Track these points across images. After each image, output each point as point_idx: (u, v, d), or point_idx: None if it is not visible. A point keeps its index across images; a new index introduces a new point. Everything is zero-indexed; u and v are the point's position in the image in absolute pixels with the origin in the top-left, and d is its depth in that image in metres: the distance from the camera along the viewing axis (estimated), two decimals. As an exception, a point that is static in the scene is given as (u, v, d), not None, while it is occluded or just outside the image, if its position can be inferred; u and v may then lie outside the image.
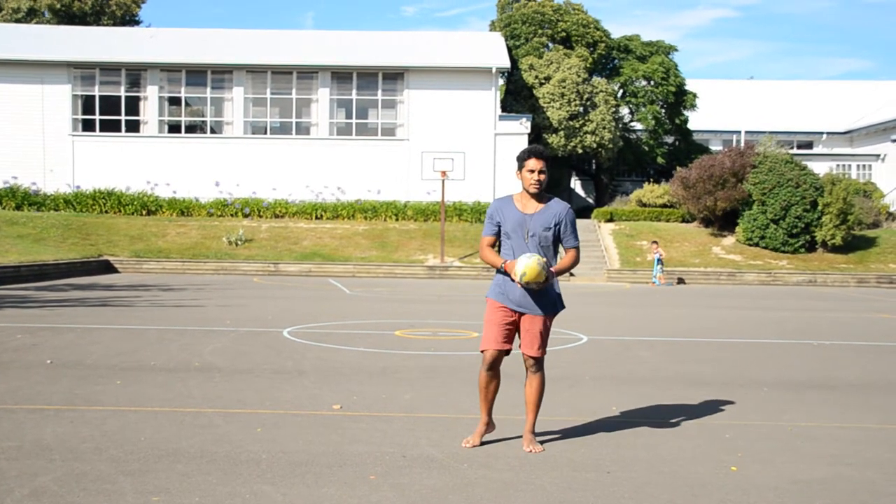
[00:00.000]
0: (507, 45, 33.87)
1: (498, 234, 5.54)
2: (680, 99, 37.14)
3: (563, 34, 35.84)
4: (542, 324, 5.44)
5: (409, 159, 30.41)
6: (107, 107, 31.03)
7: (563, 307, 5.58)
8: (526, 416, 5.53)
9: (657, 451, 5.50)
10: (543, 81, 33.38)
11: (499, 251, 5.54)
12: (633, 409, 6.80)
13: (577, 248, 5.51)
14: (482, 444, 5.54)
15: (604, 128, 32.87)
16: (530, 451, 5.39)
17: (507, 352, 5.47)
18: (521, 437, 5.60)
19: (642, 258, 26.43)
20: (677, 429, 6.14)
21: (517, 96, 33.87)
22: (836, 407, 7.07)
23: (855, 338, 12.09)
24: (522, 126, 30.93)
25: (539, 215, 5.43)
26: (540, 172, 5.41)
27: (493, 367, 5.48)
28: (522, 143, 30.38)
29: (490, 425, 5.64)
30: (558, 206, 5.49)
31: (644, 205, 31.79)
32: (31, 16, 44.68)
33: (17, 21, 42.85)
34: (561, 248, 5.57)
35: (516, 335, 5.52)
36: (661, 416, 6.52)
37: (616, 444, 5.65)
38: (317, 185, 30.71)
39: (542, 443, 5.54)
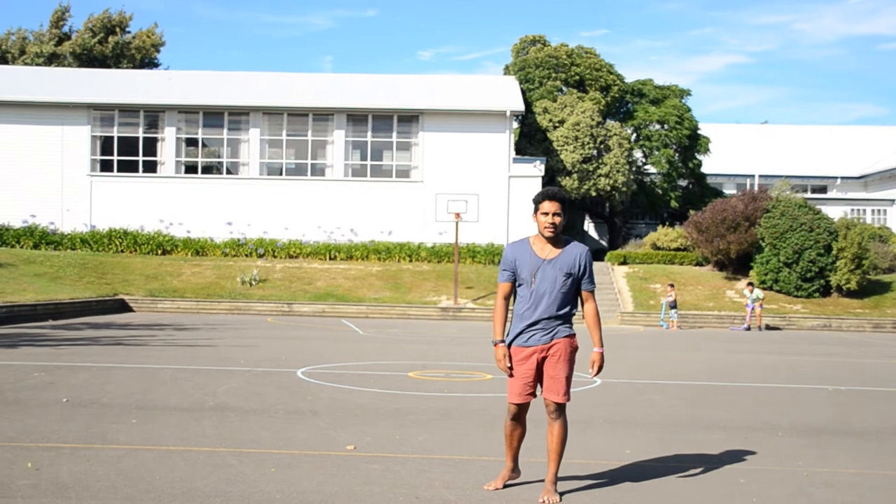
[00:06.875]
0: (522, 89, 34.19)
1: (514, 282, 5.38)
2: (693, 143, 37.28)
3: (577, 78, 36.16)
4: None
5: (424, 201, 30.57)
6: (125, 147, 31.44)
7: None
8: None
9: (671, 496, 5.48)
10: (557, 125, 33.61)
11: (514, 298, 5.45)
12: (646, 452, 6.78)
13: (592, 293, 5.43)
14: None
15: (617, 171, 32.99)
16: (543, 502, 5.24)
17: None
18: (538, 481, 5.60)
19: (656, 301, 26.35)
20: (691, 473, 6.11)
21: (531, 139, 34.10)
22: (852, 453, 7.03)
23: (871, 383, 12.00)
24: (536, 169, 31.09)
25: (558, 260, 5.30)
26: (555, 215, 5.25)
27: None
28: (536, 186, 30.51)
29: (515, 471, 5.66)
30: (577, 250, 5.34)
31: (658, 248, 31.75)
32: (53, 60, 45.41)
33: (39, 65, 43.57)
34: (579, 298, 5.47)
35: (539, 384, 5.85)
36: (674, 461, 6.50)
37: (630, 489, 5.63)
38: (329, 225, 30.89)
39: (559, 492, 5.38)
